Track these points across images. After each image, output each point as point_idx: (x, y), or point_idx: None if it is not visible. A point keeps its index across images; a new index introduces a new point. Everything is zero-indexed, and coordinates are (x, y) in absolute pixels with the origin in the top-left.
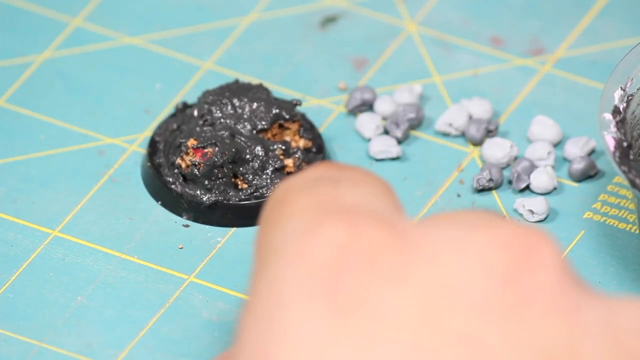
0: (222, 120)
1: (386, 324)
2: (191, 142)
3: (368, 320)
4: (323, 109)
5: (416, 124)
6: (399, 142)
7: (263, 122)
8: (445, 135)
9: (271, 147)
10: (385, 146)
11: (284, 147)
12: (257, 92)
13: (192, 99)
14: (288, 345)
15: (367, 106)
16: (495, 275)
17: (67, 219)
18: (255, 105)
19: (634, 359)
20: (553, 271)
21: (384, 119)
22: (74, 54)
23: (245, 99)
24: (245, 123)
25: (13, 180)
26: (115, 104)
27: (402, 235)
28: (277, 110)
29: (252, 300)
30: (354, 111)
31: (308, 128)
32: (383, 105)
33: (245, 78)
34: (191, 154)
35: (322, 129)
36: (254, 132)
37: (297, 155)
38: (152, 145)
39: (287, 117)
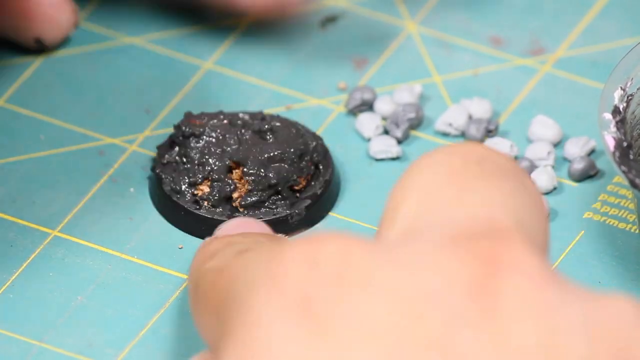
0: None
1: (358, 332)
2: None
3: (341, 331)
4: (323, 109)
5: (416, 123)
6: (399, 142)
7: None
8: (445, 135)
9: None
10: (385, 146)
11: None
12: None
13: (192, 99)
14: None
15: (367, 106)
16: (462, 287)
17: (67, 219)
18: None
19: (615, 355)
20: (524, 275)
21: (384, 118)
22: (74, 54)
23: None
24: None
25: (13, 180)
26: (115, 104)
27: (367, 244)
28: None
29: (230, 332)
30: (354, 111)
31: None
32: (383, 105)
33: (245, 78)
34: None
35: (322, 129)
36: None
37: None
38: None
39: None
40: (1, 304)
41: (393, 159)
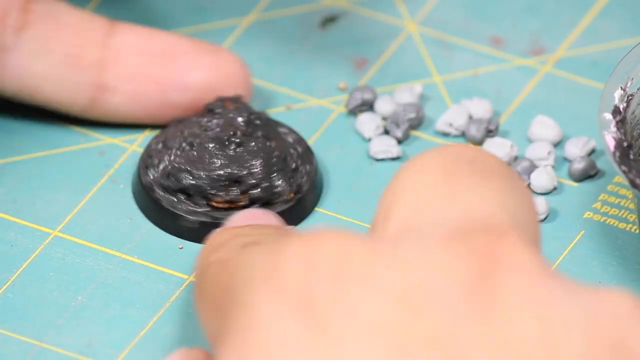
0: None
1: (357, 330)
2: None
3: (340, 329)
4: (323, 109)
5: (416, 123)
6: (400, 142)
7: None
8: (446, 135)
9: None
10: (386, 146)
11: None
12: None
13: None
14: None
15: (368, 106)
16: (460, 284)
17: (67, 219)
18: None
19: (612, 347)
20: (521, 271)
21: (384, 119)
22: None
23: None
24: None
25: (13, 180)
26: None
27: (365, 242)
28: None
29: (228, 329)
30: (354, 111)
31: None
32: (383, 105)
33: None
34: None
35: (322, 129)
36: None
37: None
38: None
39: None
40: (1, 303)
41: (393, 159)
